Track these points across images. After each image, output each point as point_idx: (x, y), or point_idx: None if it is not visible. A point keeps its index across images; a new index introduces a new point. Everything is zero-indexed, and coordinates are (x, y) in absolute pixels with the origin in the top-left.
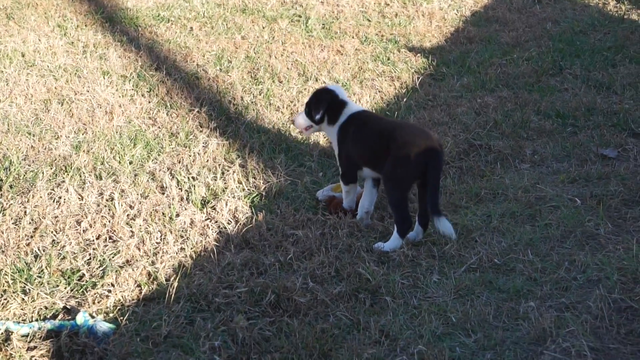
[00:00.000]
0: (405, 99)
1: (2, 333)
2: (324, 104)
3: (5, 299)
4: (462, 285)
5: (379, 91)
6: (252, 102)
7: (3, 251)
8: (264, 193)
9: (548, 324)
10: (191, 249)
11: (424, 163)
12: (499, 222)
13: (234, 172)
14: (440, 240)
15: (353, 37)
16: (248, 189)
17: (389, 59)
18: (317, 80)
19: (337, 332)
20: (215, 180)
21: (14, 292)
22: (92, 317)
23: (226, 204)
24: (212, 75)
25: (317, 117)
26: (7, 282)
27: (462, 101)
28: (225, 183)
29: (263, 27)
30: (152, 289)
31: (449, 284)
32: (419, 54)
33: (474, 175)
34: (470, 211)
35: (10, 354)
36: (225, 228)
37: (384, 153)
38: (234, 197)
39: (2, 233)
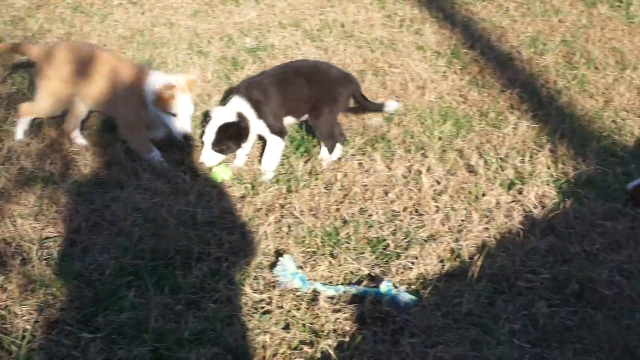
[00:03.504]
0: None
1: (310, 292)
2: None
3: (314, 260)
4: None
5: None
6: (565, 87)
7: (315, 214)
8: (572, 180)
9: None
10: (495, 229)
11: (349, 98)
12: None
13: (543, 156)
14: None
15: None
16: (556, 175)
17: None
18: (635, 69)
19: None
20: (523, 163)
21: (322, 255)
22: (395, 287)
23: (533, 188)
24: (525, 57)
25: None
26: (317, 243)
27: None
28: (533, 166)
29: (581, 11)
30: (454, 265)
31: None
32: None
33: None
34: None
35: (317, 314)
36: (531, 212)
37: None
38: (541, 181)
39: (315, 197)
